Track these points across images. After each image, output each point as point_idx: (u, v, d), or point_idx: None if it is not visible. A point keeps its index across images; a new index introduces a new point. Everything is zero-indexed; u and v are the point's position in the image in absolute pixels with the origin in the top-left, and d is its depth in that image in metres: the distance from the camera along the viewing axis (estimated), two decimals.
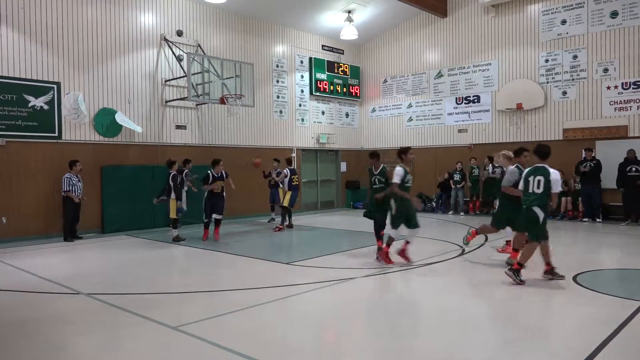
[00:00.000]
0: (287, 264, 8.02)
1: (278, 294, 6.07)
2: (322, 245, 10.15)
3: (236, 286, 6.56)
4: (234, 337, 4.54)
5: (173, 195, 10.31)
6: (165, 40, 13.28)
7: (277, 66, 16.26)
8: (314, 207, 17.49)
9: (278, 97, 16.29)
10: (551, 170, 6.33)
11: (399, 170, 7.45)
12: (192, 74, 12.45)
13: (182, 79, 13.20)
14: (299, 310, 5.51)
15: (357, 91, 18.76)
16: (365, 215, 8.64)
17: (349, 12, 16.13)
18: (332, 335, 4.84)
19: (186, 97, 12.72)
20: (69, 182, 10.70)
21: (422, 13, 16.71)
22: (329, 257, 8.64)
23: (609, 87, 13.51)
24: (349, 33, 16.55)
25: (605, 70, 13.57)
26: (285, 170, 12.29)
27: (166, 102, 13.34)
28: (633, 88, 13.12)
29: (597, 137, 13.56)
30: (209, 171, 10.30)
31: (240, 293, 6.24)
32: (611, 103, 13.46)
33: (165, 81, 13.32)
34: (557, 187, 6.27)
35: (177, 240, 10.29)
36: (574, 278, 6.63)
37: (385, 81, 18.43)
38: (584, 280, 6.55)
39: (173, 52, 13.37)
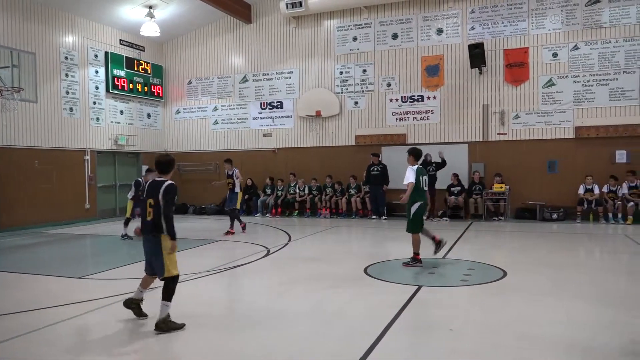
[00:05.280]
0: (79, 278, 7.22)
1: (69, 313, 5.41)
2: (122, 255, 9.42)
3: (21, 308, 5.63)
4: None
5: None
6: None
7: (67, 58, 14.55)
8: (112, 213, 16.10)
9: (68, 92, 14.58)
10: None
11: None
12: None
13: None
14: (95, 328, 4.99)
15: (160, 91, 17.91)
16: None
17: (150, 7, 15.30)
18: (135, 352, 4.49)
19: None
20: None
21: (228, 17, 16.76)
22: (130, 267, 8.06)
23: (391, 100, 15.40)
24: (150, 29, 15.68)
25: (389, 84, 15.43)
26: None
27: None
28: (410, 102, 15.18)
29: (382, 143, 15.32)
30: None
31: (25, 316, 5.38)
32: (393, 114, 15.36)
33: None
34: None
35: None
36: (365, 270, 7.38)
37: (190, 82, 17.98)
38: (373, 271, 7.33)
39: None
